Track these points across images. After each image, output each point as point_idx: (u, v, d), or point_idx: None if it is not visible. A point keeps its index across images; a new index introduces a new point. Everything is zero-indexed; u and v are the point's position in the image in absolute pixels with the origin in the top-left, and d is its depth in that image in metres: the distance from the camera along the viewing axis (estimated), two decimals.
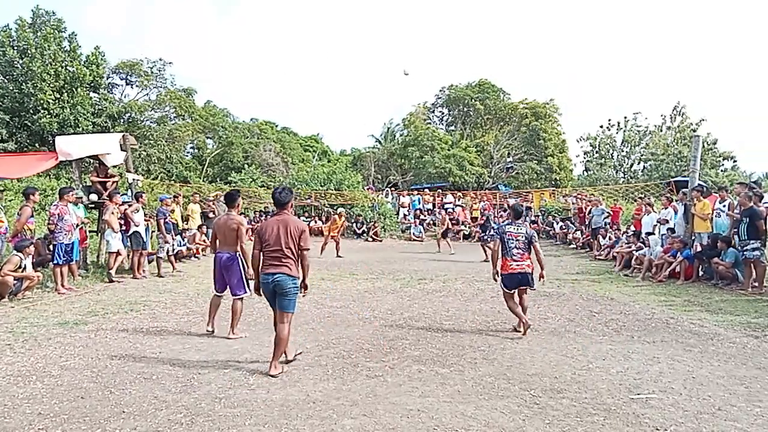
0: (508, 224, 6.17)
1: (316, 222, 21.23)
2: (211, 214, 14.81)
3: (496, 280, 6.17)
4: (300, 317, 6.77)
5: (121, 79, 29.68)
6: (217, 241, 5.89)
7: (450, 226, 18.17)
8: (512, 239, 5.99)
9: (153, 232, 11.39)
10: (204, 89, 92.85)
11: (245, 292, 5.70)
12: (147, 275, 10.28)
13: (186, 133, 30.64)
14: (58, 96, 23.40)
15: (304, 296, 4.75)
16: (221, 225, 5.80)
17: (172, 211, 11.91)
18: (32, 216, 8.79)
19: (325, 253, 14.28)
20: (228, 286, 5.81)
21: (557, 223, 19.79)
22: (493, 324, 6.46)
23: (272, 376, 4.37)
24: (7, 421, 3.51)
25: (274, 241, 4.53)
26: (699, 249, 9.82)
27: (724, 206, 9.69)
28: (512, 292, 6.02)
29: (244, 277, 5.72)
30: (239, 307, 5.74)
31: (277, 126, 41.86)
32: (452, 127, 40.31)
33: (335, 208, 22.10)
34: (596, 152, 38.11)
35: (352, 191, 22.85)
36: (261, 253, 4.61)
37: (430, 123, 39.79)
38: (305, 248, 4.60)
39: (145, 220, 10.58)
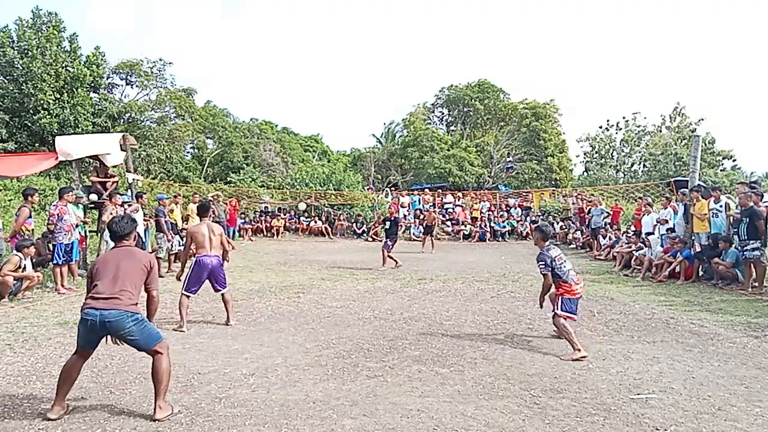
0: (547, 250, 5.35)
1: (315, 222, 21.25)
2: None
3: (541, 307, 5.67)
4: (300, 317, 6.79)
5: (121, 80, 29.63)
6: (195, 247, 6.29)
7: (434, 224, 17.48)
8: (564, 262, 5.33)
9: (152, 232, 11.39)
10: (204, 89, 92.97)
11: (225, 286, 6.45)
12: None
13: (186, 133, 30.59)
14: (58, 96, 23.38)
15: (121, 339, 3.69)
16: (206, 232, 6.31)
17: (171, 210, 11.91)
18: (30, 216, 8.79)
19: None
20: (211, 285, 6.42)
21: (557, 223, 19.80)
22: (493, 324, 6.46)
23: (157, 420, 3.49)
24: (7, 421, 3.51)
25: (110, 271, 3.64)
26: (698, 249, 9.82)
27: (720, 206, 9.68)
28: (575, 317, 5.29)
29: (224, 276, 6.49)
30: (230, 297, 6.56)
31: (277, 126, 41.83)
32: (452, 127, 40.32)
33: (336, 207, 22.08)
34: (596, 152, 38.14)
35: (352, 191, 22.84)
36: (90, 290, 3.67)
37: (430, 123, 39.80)
38: (153, 288, 3.84)
39: (145, 220, 10.57)
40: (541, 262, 5.31)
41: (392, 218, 12.88)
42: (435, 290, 8.96)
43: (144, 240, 10.32)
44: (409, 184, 34.47)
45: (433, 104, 40.62)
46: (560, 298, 5.26)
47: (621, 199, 20.13)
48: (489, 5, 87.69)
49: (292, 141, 39.12)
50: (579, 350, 5.03)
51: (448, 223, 22.05)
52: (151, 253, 10.98)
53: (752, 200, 8.75)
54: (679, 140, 33.81)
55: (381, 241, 19.59)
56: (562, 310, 5.22)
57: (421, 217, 18.78)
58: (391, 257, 12.18)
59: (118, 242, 3.94)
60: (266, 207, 22.10)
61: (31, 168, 11.01)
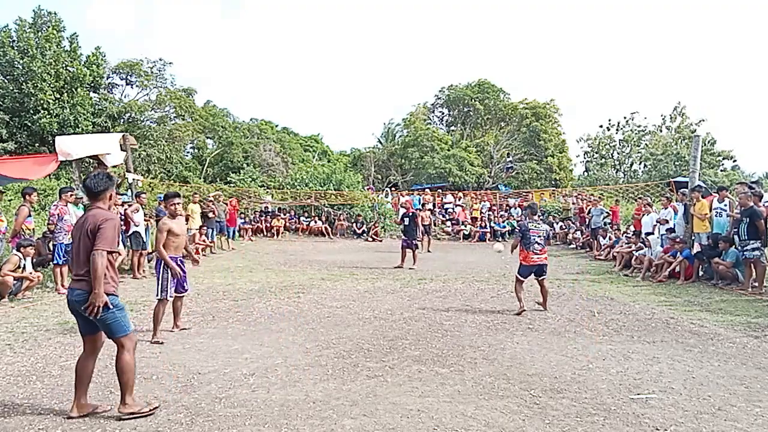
0: (529, 222, 7.07)
1: (315, 222, 21.24)
2: (210, 214, 14.79)
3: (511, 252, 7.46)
4: (300, 317, 6.79)
5: (121, 79, 29.62)
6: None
7: (428, 224, 16.73)
8: (534, 235, 6.96)
9: (152, 232, 11.39)
10: (204, 89, 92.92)
11: (157, 295, 5.64)
12: (147, 275, 10.28)
13: (186, 133, 30.58)
14: (58, 96, 23.39)
15: (90, 314, 3.46)
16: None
17: None
18: (30, 215, 8.79)
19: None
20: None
21: (557, 223, 19.80)
22: (493, 324, 6.46)
23: (120, 413, 3.51)
24: (7, 421, 3.51)
25: (77, 247, 3.56)
26: (698, 249, 9.82)
27: (725, 205, 9.69)
28: (524, 280, 7.03)
29: (159, 281, 5.63)
30: (182, 304, 6.10)
31: (277, 126, 41.81)
32: (452, 127, 40.33)
33: (336, 207, 22.05)
34: (596, 152, 38.17)
35: (352, 191, 22.83)
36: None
37: (430, 123, 39.81)
38: (96, 248, 3.41)
39: (145, 220, 10.58)
40: (517, 227, 6.91)
41: (410, 213, 12.42)
42: (435, 290, 8.96)
43: (144, 239, 10.32)
44: (409, 184, 34.47)
45: (433, 104, 40.67)
46: (520, 263, 7.06)
47: (621, 199, 20.16)
48: (489, 5, 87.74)
49: (292, 141, 39.08)
50: (521, 306, 6.89)
51: (448, 223, 22.03)
52: (150, 253, 10.99)
53: (752, 200, 8.76)
54: (680, 140, 33.84)
55: (381, 241, 19.74)
56: (518, 272, 7.07)
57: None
58: (404, 255, 12.19)
59: (92, 203, 3.67)
60: (266, 207, 22.10)
61: (33, 174, 10.98)
